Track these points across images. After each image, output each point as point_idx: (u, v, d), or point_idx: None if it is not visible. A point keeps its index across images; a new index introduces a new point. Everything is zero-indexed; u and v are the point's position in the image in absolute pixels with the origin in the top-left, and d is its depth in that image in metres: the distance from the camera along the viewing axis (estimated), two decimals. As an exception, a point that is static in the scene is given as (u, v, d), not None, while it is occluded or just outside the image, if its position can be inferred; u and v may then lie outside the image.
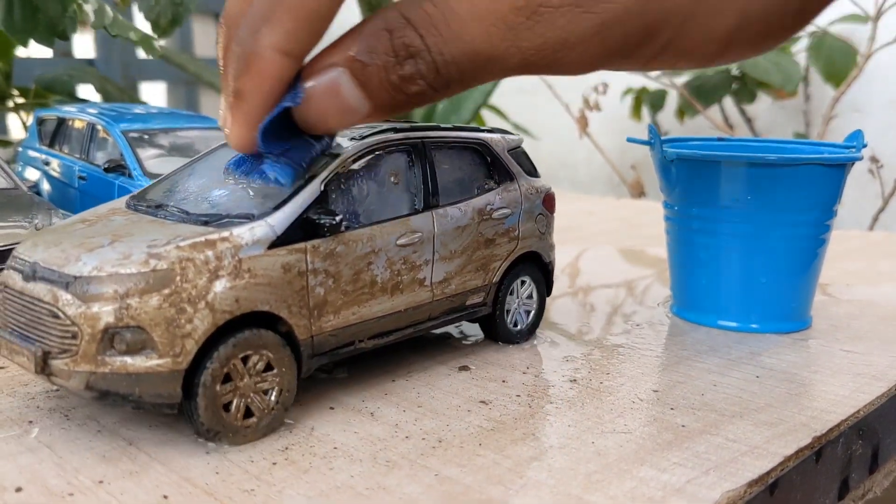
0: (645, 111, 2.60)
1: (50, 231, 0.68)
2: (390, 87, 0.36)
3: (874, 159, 1.93)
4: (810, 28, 2.41)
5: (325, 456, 0.59)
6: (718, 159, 0.87)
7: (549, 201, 0.88)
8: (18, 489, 0.54)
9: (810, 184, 0.86)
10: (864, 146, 0.92)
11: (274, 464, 0.58)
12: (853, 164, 0.89)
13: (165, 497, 0.53)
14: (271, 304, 0.62)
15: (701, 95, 2.38)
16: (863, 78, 2.28)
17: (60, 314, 0.58)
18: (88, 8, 1.09)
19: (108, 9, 1.17)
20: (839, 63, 2.26)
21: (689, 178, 0.90)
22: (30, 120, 1.99)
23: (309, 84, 0.38)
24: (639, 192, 2.41)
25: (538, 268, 0.87)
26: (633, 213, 1.79)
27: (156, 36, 1.41)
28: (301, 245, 0.64)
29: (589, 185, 2.98)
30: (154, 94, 2.78)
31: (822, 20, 2.37)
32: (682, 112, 2.51)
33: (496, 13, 0.35)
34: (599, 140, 2.61)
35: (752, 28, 0.42)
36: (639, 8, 0.40)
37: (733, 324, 0.91)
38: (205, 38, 2.86)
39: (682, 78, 2.48)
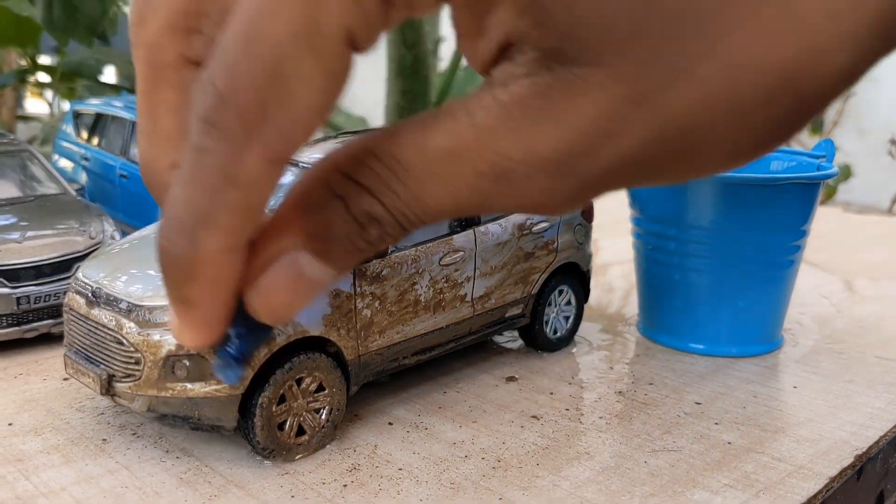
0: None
1: (111, 253, 0.70)
2: (357, 251, 0.34)
3: (893, 142, 1.93)
4: None
5: (392, 478, 0.62)
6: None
7: (587, 211, 0.89)
8: (106, 514, 0.57)
9: (785, 203, 0.82)
10: (834, 155, 0.89)
11: (345, 486, 0.60)
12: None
13: (247, 523, 0.56)
14: (322, 328, 0.65)
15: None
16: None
17: (124, 341, 0.61)
18: (128, 10, 1.09)
19: None
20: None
21: (659, 195, 0.86)
22: (56, 101, 1.99)
23: (267, 280, 0.34)
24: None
25: (576, 277, 0.89)
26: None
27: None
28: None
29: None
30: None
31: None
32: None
33: (459, 177, 0.32)
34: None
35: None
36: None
37: (701, 346, 0.87)
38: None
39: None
